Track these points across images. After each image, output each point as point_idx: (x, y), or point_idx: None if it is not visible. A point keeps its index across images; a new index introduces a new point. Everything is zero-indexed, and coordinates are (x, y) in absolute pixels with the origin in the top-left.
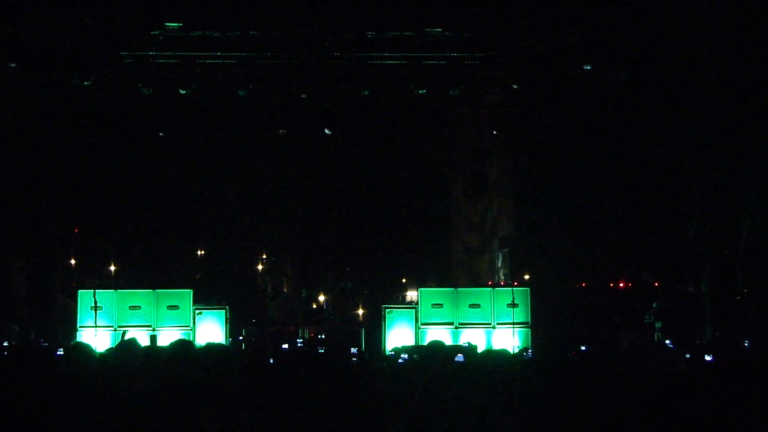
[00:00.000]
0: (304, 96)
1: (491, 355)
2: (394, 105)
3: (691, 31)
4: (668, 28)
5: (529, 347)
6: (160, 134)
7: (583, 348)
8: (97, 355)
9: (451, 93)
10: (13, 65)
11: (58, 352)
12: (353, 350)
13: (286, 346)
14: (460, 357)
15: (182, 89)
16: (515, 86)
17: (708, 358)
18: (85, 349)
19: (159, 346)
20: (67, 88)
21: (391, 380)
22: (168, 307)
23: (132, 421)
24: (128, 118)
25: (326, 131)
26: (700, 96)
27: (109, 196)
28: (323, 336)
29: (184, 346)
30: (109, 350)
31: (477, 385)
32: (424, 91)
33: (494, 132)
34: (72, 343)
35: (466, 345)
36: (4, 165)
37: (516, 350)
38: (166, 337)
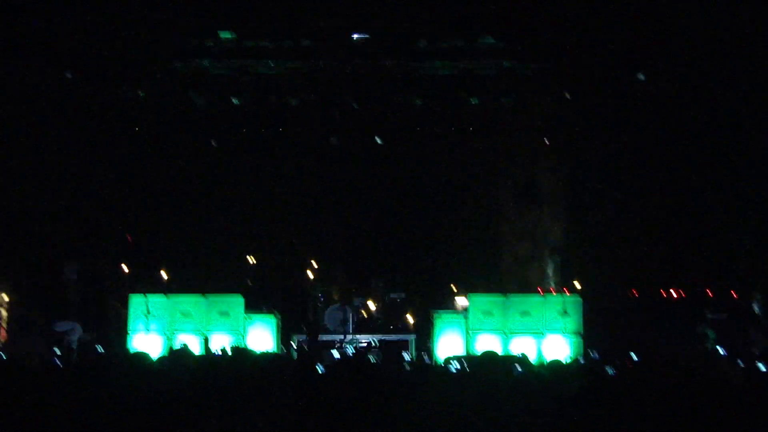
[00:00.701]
0: (356, 106)
1: (549, 366)
2: (446, 113)
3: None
4: (726, 33)
5: (581, 357)
6: (213, 143)
7: (635, 358)
8: (153, 364)
9: (503, 101)
10: (69, 75)
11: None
12: (406, 358)
13: (336, 354)
14: (517, 368)
15: (235, 98)
16: (568, 95)
17: (763, 368)
18: (142, 359)
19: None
20: (121, 99)
21: (443, 390)
22: (219, 313)
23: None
24: (181, 127)
25: (377, 140)
26: (761, 103)
27: (163, 204)
28: (374, 344)
29: (240, 354)
30: (162, 357)
31: (534, 397)
32: (476, 100)
33: (546, 140)
34: (131, 351)
35: (521, 356)
36: (61, 173)
37: (568, 360)
38: (217, 342)
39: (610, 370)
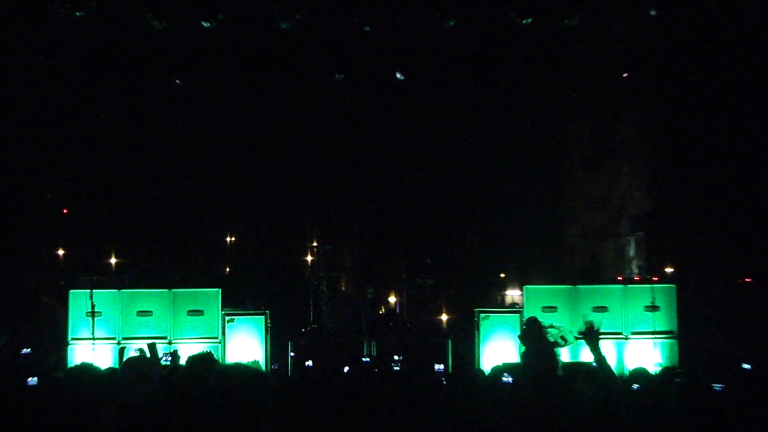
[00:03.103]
0: (368, 29)
1: (633, 378)
2: (489, 40)
3: None
4: None
5: (677, 366)
6: (177, 81)
7: (746, 366)
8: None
9: (566, 23)
10: None
11: (30, 381)
12: (438, 368)
13: (347, 369)
14: (507, 377)
15: (205, 21)
16: (653, 12)
17: None
18: (87, 373)
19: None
20: (53, 23)
21: (491, 410)
22: (189, 312)
23: None
24: (134, 61)
25: (398, 75)
26: None
27: (109, 165)
28: (397, 350)
29: (203, 364)
30: (112, 371)
31: (610, 419)
32: (530, 20)
33: (624, 75)
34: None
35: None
36: None
37: (658, 370)
38: (187, 352)
39: (715, 385)
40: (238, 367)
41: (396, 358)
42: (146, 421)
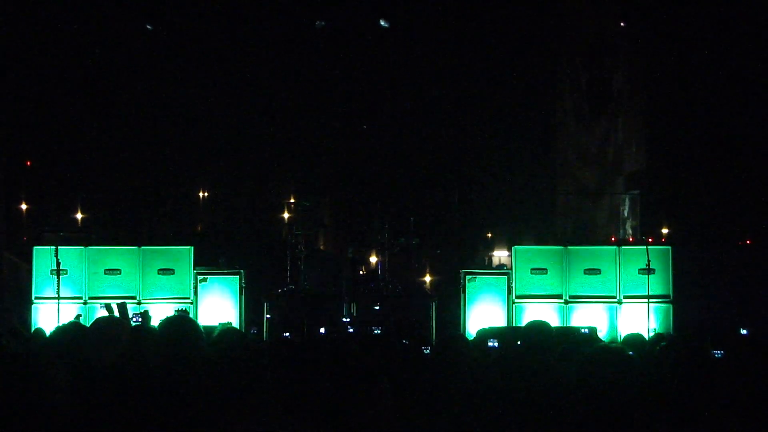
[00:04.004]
0: None
1: (627, 344)
2: None
3: None
4: None
5: (672, 331)
6: (148, 27)
7: (744, 332)
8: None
9: None
10: None
11: None
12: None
13: (323, 330)
14: (492, 341)
15: None
16: None
17: None
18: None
19: (152, 327)
20: None
21: (478, 376)
22: (159, 271)
23: None
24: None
25: (381, 23)
26: None
27: (74, 113)
28: (378, 312)
29: (184, 329)
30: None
31: (605, 388)
32: None
33: (621, 23)
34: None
35: (586, 330)
36: None
37: (653, 335)
38: (158, 312)
39: (715, 351)
40: (226, 331)
41: (377, 320)
42: (115, 385)
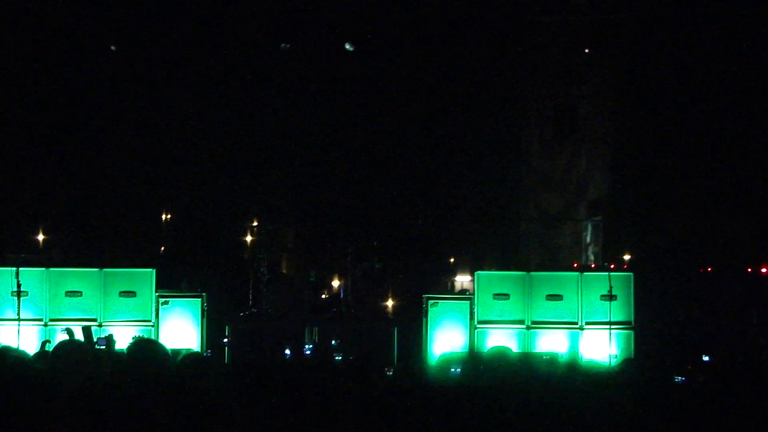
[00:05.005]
0: None
1: (579, 368)
2: (447, 9)
3: None
4: None
5: (632, 357)
6: (111, 48)
7: (706, 358)
8: (28, 363)
9: None
10: None
11: None
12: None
13: (288, 351)
14: (455, 368)
15: None
16: None
17: None
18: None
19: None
20: None
21: (440, 401)
22: (121, 293)
23: None
24: (66, 19)
25: (346, 46)
26: None
27: (38, 133)
28: (339, 338)
29: (147, 351)
30: (38, 356)
31: (567, 415)
32: None
33: (586, 50)
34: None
35: (547, 357)
36: None
37: (613, 361)
38: (119, 335)
39: (676, 377)
40: (191, 357)
41: (338, 346)
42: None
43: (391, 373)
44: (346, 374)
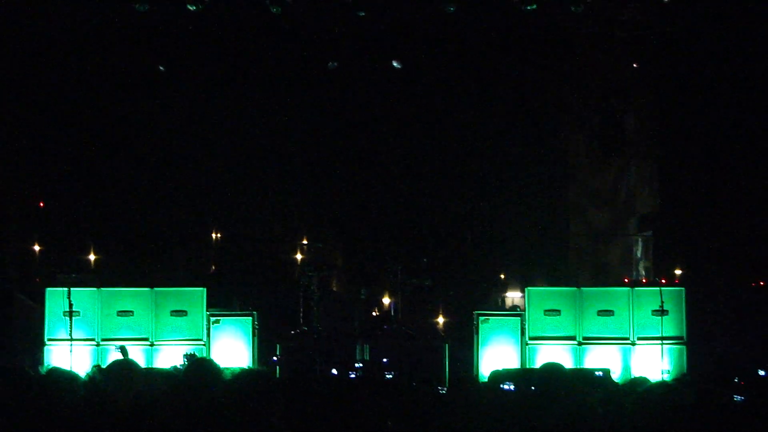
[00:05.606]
0: (362, 14)
1: (640, 386)
2: (491, 27)
3: None
4: None
5: (686, 373)
6: (161, 68)
7: (762, 373)
8: (80, 385)
9: (572, 9)
10: None
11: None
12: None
13: (335, 371)
14: (508, 384)
15: (191, 4)
16: None
17: None
18: (64, 378)
19: (162, 369)
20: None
21: (492, 419)
22: (172, 312)
23: None
24: (116, 45)
25: (394, 64)
26: None
27: (89, 156)
28: (391, 355)
29: (202, 371)
30: (94, 375)
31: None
32: (534, 6)
33: (634, 65)
34: (45, 367)
35: (600, 374)
36: None
37: (666, 377)
38: (170, 354)
39: (736, 396)
40: (244, 373)
41: (389, 363)
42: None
43: (444, 390)
44: (395, 391)
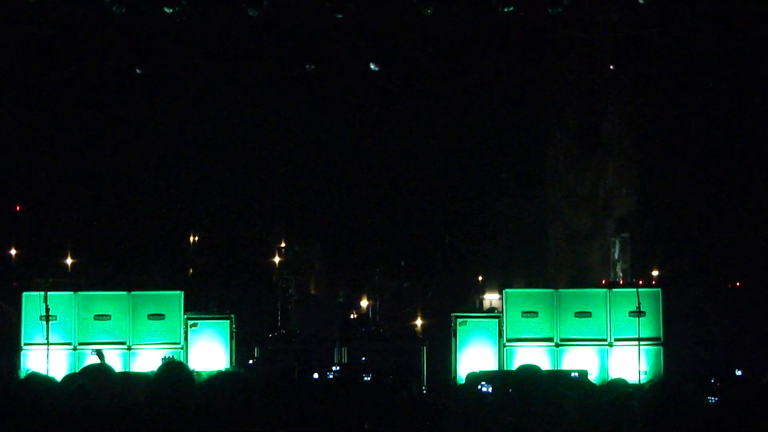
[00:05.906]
0: (340, 16)
1: (611, 387)
2: (469, 29)
3: None
4: None
5: (662, 374)
6: (137, 71)
7: (738, 372)
8: (57, 389)
9: (549, 11)
10: None
11: None
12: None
13: (316, 375)
14: (485, 386)
15: (168, 7)
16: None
17: None
18: (44, 382)
19: (139, 373)
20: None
21: (468, 421)
22: (149, 316)
23: None
24: (93, 48)
25: (372, 66)
26: None
27: (65, 160)
28: (368, 358)
29: (177, 373)
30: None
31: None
32: (512, 8)
33: (611, 66)
34: (24, 372)
35: (576, 375)
36: None
37: (643, 378)
38: (147, 358)
39: (709, 397)
40: (221, 375)
41: (367, 365)
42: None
43: (423, 390)
44: (373, 392)
